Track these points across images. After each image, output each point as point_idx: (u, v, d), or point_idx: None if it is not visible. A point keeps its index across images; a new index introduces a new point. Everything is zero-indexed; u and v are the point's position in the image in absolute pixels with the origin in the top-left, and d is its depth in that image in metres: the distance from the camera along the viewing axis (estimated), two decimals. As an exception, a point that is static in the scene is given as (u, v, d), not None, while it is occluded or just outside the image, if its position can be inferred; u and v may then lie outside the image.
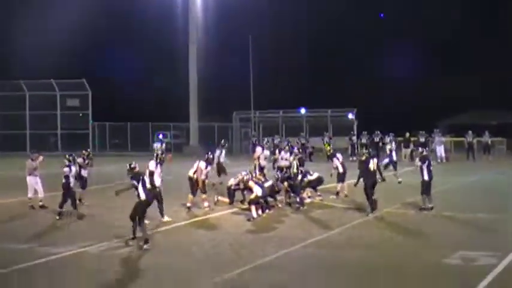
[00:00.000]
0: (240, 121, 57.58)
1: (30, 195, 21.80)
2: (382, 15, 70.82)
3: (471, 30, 63.66)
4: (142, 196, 15.80)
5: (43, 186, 21.88)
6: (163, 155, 20.34)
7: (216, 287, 12.13)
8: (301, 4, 65.98)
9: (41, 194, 21.76)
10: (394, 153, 30.34)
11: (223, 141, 28.60)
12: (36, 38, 57.90)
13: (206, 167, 21.18)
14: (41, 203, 21.65)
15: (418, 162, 21.24)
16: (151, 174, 18.80)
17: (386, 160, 29.72)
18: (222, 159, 26.96)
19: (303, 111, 58.16)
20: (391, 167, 29.56)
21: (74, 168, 20.13)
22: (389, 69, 61.45)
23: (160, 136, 46.53)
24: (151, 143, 48.25)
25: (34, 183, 21.77)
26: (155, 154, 20.45)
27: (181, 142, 56.73)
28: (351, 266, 13.73)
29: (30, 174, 21.82)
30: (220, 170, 26.75)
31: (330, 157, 24.95)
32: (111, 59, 64.47)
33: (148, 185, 16.33)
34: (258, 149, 28.18)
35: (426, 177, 20.75)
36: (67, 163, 19.99)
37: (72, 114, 56.72)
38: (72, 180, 19.80)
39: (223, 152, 27.23)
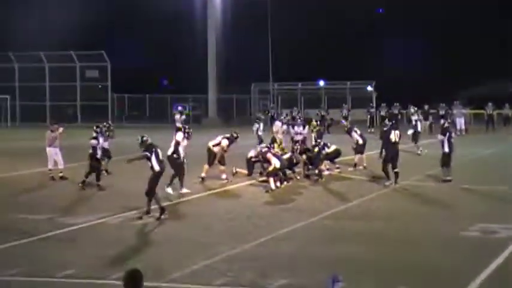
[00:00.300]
0: (259, 93, 57.46)
1: (50, 166, 21.95)
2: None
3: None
4: (156, 167, 15.78)
5: (63, 158, 22.02)
6: (190, 130, 20.26)
7: (236, 257, 12.18)
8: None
9: (60, 165, 21.89)
10: (419, 124, 30.29)
11: (260, 114, 28.59)
12: (55, 9, 57.84)
13: (228, 145, 21.26)
14: (61, 174, 21.78)
15: (440, 136, 21.08)
16: (178, 143, 18.92)
17: (411, 131, 29.52)
18: (260, 133, 26.81)
19: (321, 83, 57.92)
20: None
21: (101, 140, 20.27)
22: (406, 42, 60.74)
23: (180, 108, 46.50)
24: (170, 115, 48.31)
25: (54, 154, 21.88)
26: (181, 126, 20.46)
27: (199, 114, 56.76)
28: (369, 238, 13.71)
29: (50, 146, 21.94)
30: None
31: (348, 131, 24.90)
32: (130, 31, 64.35)
33: (161, 156, 16.20)
34: (277, 123, 28.18)
35: (447, 150, 20.65)
36: (94, 135, 20.13)
37: (91, 85, 56.89)
38: (99, 152, 19.94)
39: (261, 125, 27.10)
